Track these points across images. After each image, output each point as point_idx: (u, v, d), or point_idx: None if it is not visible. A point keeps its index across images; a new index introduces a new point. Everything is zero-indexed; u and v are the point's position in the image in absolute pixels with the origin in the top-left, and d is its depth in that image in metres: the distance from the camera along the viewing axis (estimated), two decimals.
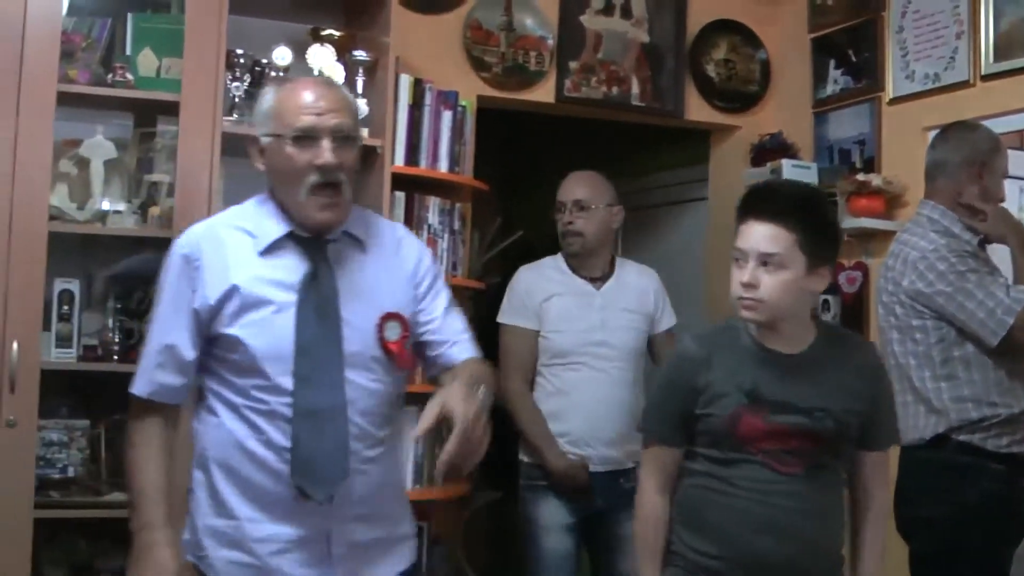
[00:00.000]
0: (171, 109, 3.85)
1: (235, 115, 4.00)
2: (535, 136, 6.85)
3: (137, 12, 4.05)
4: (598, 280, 4.28)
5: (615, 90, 5.06)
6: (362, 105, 4.13)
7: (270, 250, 2.66)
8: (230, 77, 4.01)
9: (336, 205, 2.62)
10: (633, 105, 5.11)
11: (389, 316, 2.67)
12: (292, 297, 2.61)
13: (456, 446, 2.40)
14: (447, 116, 4.37)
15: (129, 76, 3.90)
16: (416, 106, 4.29)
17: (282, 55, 4.13)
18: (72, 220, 3.82)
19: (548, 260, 4.35)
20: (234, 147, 3.95)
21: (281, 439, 2.59)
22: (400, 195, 4.24)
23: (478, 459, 2.46)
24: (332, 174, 2.60)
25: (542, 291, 4.22)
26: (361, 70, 4.21)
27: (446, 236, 4.38)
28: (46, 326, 3.74)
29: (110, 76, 3.89)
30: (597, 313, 4.21)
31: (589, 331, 4.18)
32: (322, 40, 4.24)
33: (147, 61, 3.96)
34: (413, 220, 4.25)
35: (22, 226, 3.62)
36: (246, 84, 4.08)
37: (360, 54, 4.20)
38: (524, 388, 4.20)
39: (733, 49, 5.28)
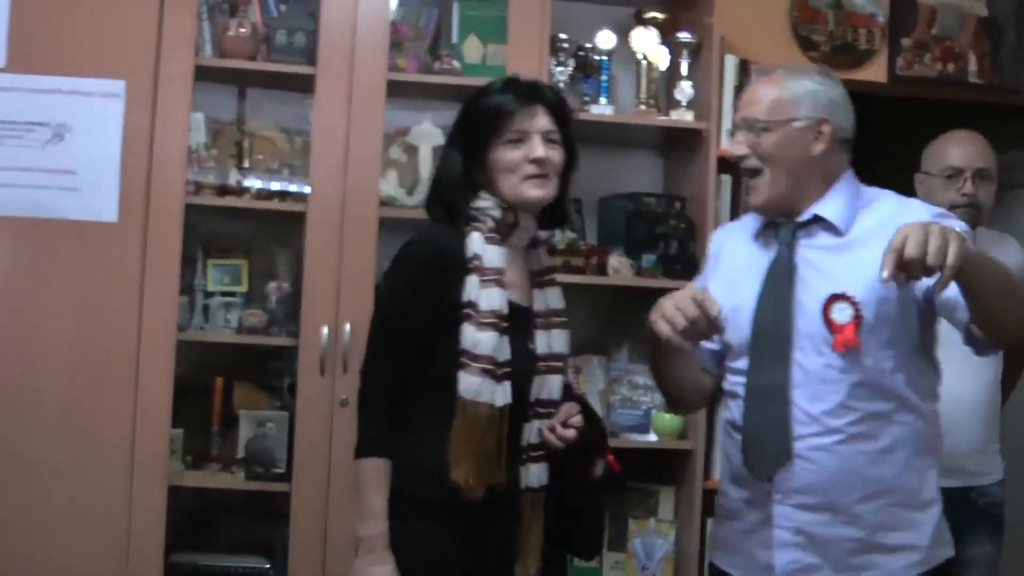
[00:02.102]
0: None
1: None
2: (861, 116, 6.60)
3: (463, 0, 4.11)
4: None
5: (951, 67, 4.80)
6: (686, 87, 4.07)
7: (757, 236, 2.79)
8: (554, 62, 4.02)
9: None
10: (970, 83, 4.84)
11: (837, 297, 2.56)
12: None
13: None
14: None
15: (455, 63, 3.97)
16: (742, 87, 4.17)
17: (605, 39, 4.11)
18: (401, 205, 3.91)
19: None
20: None
21: (738, 418, 2.70)
22: (726, 178, 4.13)
23: None
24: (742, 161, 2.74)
25: None
26: (685, 52, 4.14)
27: None
28: None
29: (437, 64, 3.97)
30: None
31: None
32: (645, 23, 4.20)
33: (472, 48, 4.03)
34: (739, 204, 4.14)
35: (354, 212, 3.75)
36: (570, 69, 4.08)
37: (684, 35, 4.14)
38: None
39: None
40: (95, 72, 3.69)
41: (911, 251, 2.17)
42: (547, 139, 2.80)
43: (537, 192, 2.79)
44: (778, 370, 2.61)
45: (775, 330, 2.64)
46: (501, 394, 2.72)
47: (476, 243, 2.75)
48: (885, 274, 2.20)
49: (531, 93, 2.85)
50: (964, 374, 3.60)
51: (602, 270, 3.98)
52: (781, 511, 2.62)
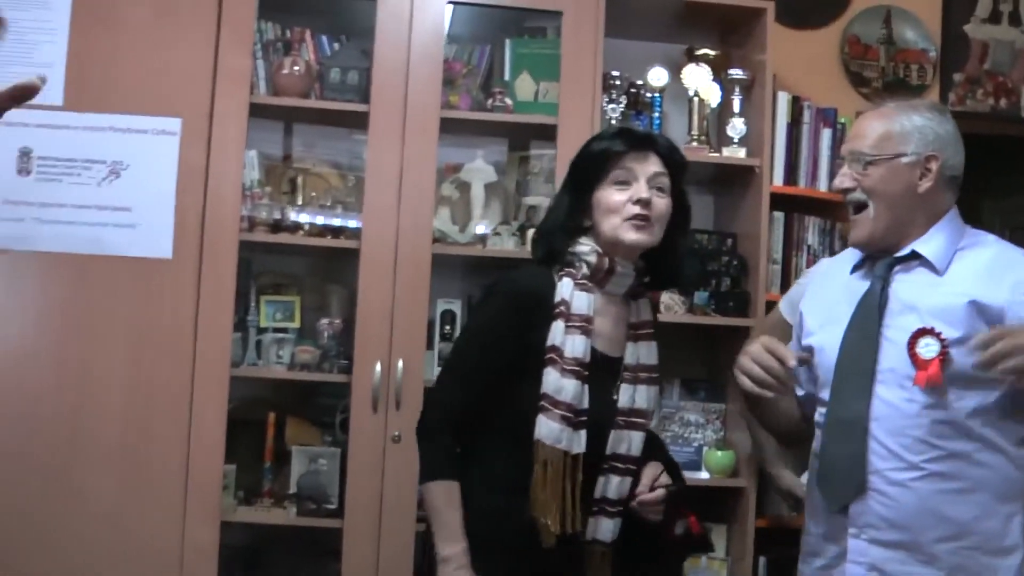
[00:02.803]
0: (548, 133, 3.89)
1: None
2: None
3: (514, 38, 4.13)
4: None
5: (1003, 102, 4.78)
6: (739, 124, 4.06)
7: (855, 269, 2.77)
8: (606, 99, 4.02)
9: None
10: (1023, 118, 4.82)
11: (924, 332, 2.53)
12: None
13: None
14: (826, 134, 4.23)
15: (508, 101, 3.98)
16: (794, 124, 4.17)
17: (657, 76, 4.12)
18: (454, 242, 3.92)
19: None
20: None
21: (818, 447, 2.71)
22: (779, 215, 4.12)
23: None
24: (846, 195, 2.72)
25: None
26: (737, 89, 4.13)
27: (825, 257, 4.18)
28: (429, 345, 3.86)
29: (489, 101, 3.98)
30: None
31: None
32: (697, 59, 4.20)
33: (525, 86, 4.04)
34: (792, 240, 4.13)
35: (408, 249, 3.76)
36: (622, 106, 4.07)
37: (736, 72, 4.13)
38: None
39: None
40: (151, 110, 3.73)
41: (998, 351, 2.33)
42: (655, 185, 2.77)
43: (635, 236, 2.74)
44: (859, 402, 2.59)
45: (859, 362, 2.61)
46: (577, 442, 2.69)
47: (565, 288, 2.73)
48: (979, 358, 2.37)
49: (644, 139, 2.83)
50: None
51: (654, 307, 3.96)
52: (855, 545, 2.60)
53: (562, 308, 2.71)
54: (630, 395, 2.79)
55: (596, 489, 2.76)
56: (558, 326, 2.69)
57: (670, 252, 2.85)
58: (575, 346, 2.69)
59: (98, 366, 3.67)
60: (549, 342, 2.69)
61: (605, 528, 2.77)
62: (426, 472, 2.75)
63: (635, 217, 2.72)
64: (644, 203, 2.72)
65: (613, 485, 2.76)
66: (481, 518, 2.71)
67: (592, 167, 2.78)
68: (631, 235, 2.73)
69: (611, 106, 4.05)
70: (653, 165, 2.77)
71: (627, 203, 2.72)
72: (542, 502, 2.65)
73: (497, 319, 2.77)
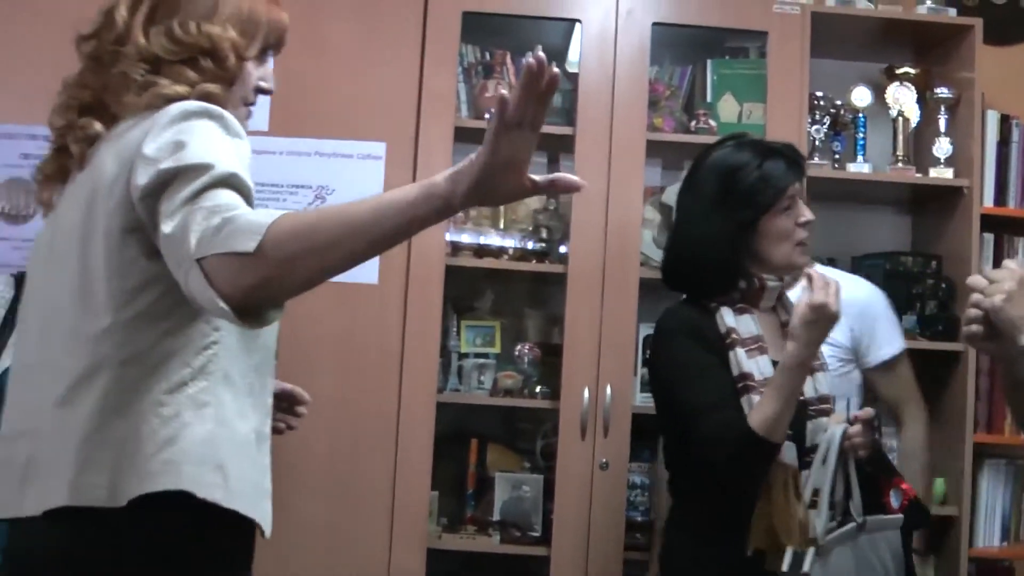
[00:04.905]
0: None
1: (815, 158, 3.92)
2: None
3: (716, 59, 4.07)
4: None
5: None
6: (945, 144, 3.96)
7: None
8: (809, 120, 3.94)
9: None
10: None
11: None
12: None
13: None
14: None
15: (712, 122, 3.91)
16: (1003, 143, 4.06)
17: (860, 96, 4.03)
18: (657, 266, 3.85)
19: None
20: (822, 192, 3.83)
21: None
22: (988, 237, 4.00)
23: None
24: None
25: None
26: (942, 107, 4.02)
27: None
28: (635, 370, 3.80)
29: (693, 123, 3.93)
30: None
31: None
32: (899, 78, 4.10)
33: (728, 107, 3.98)
34: (1002, 263, 4.00)
35: (615, 273, 3.72)
36: (825, 127, 3.99)
37: (942, 91, 4.01)
38: None
39: None
40: (356, 134, 3.74)
41: None
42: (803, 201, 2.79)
43: (804, 259, 2.78)
44: None
45: None
46: (789, 454, 2.65)
47: (728, 317, 2.72)
48: None
49: (796, 158, 2.83)
50: None
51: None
52: None
53: (734, 336, 2.68)
54: (812, 385, 2.73)
55: (803, 486, 2.67)
56: (740, 353, 2.67)
57: None
58: (761, 367, 2.67)
59: (306, 391, 3.65)
60: (736, 371, 2.66)
61: (818, 521, 2.65)
62: (737, 427, 2.60)
63: (803, 240, 2.76)
64: (809, 225, 2.77)
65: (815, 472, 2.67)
66: (710, 542, 2.72)
67: (762, 197, 2.76)
68: (801, 259, 2.77)
69: (814, 127, 3.97)
70: (799, 182, 2.81)
71: (795, 227, 2.76)
72: (756, 523, 2.60)
73: (691, 347, 2.73)
